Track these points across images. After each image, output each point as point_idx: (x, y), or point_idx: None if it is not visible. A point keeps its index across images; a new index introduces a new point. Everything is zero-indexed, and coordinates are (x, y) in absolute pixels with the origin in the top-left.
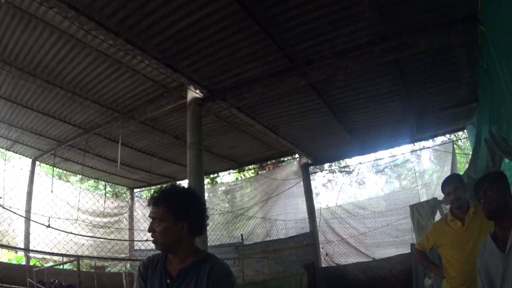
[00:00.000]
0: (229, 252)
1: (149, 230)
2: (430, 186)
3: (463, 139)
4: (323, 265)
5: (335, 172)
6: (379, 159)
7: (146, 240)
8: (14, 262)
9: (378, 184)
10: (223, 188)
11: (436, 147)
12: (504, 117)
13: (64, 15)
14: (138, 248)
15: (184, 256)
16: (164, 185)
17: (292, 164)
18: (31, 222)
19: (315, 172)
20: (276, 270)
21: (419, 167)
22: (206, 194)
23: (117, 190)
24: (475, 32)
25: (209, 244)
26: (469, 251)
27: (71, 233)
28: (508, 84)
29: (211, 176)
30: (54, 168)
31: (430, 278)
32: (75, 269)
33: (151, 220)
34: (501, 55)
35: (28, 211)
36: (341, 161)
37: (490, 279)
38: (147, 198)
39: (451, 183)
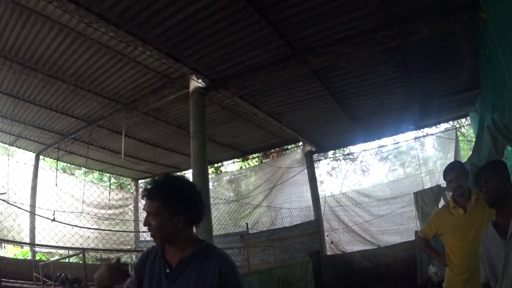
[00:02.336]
0: (235, 241)
1: (144, 224)
2: (434, 173)
3: (466, 126)
4: (328, 253)
5: (339, 160)
6: (383, 146)
7: None
8: (20, 257)
9: (382, 172)
10: (228, 177)
11: (439, 134)
12: (506, 104)
13: (64, 9)
14: (143, 239)
15: (183, 246)
16: (157, 177)
17: (296, 152)
18: (36, 216)
19: (319, 160)
20: (281, 258)
21: (422, 154)
22: (210, 184)
23: (121, 182)
24: (476, 18)
25: (214, 233)
26: (471, 239)
27: (76, 226)
28: (510, 71)
29: (215, 165)
30: (58, 162)
31: (434, 266)
32: (81, 262)
33: (146, 214)
34: (503, 42)
35: (32, 205)
36: (344, 148)
37: (492, 266)
38: None
39: (453, 170)
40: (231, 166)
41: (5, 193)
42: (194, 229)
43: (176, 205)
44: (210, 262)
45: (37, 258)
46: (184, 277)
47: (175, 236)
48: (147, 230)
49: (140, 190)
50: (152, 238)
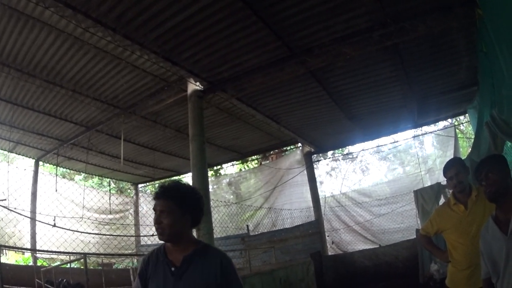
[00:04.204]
0: (236, 244)
1: (156, 222)
2: (434, 171)
3: (465, 123)
4: (330, 253)
5: (339, 160)
6: (382, 145)
7: (152, 235)
8: (22, 263)
9: (381, 171)
10: (227, 180)
11: (438, 131)
12: (504, 100)
13: (61, 14)
14: (144, 243)
15: (185, 245)
16: (167, 181)
17: (295, 153)
18: (37, 222)
19: (318, 160)
20: (283, 259)
21: (422, 153)
22: (210, 187)
23: (121, 186)
24: (472, 15)
25: (215, 236)
26: (473, 235)
27: (77, 231)
28: (509, 66)
29: (215, 168)
30: (58, 168)
31: (436, 263)
32: (82, 267)
33: (158, 212)
34: (500, 38)
35: (33, 211)
36: (343, 148)
37: (494, 262)
38: (152, 192)
39: (453, 167)
40: (230, 168)
41: (5, 199)
42: (194, 232)
43: (187, 205)
44: (211, 258)
45: (39, 264)
46: (189, 273)
47: (181, 234)
48: (156, 230)
49: (140, 194)
50: (160, 236)
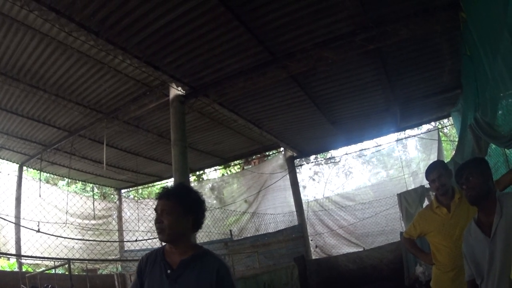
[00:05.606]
0: (219, 249)
1: (156, 222)
2: (418, 175)
3: (449, 126)
4: (314, 257)
5: (321, 164)
6: (365, 149)
7: (136, 241)
8: (7, 269)
9: (364, 174)
10: (210, 184)
11: (421, 135)
12: (488, 102)
13: (44, 18)
14: (128, 248)
15: (184, 248)
16: (171, 185)
17: (277, 158)
18: (21, 228)
19: (301, 165)
20: (266, 264)
21: (405, 156)
22: None
23: (104, 192)
24: (456, 19)
25: (198, 241)
26: (456, 237)
27: (61, 236)
28: (493, 69)
29: (197, 173)
30: (42, 173)
31: (421, 266)
32: (67, 273)
33: (159, 212)
34: (484, 41)
35: (17, 216)
36: (326, 152)
37: (477, 264)
38: (135, 198)
39: (435, 169)
40: (213, 173)
41: None
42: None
43: (189, 205)
44: (208, 264)
45: (24, 269)
46: (184, 277)
47: (180, 236)
48: (155, 228)
49: (124, 199)
50: (159, 236)
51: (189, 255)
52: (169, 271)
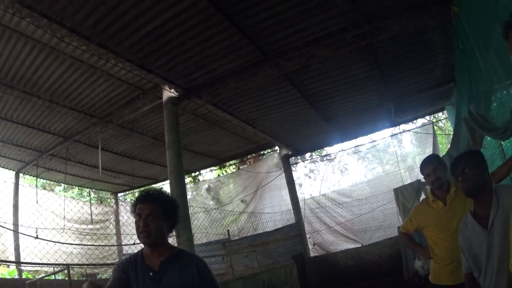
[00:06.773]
0: (217, 249)
1: (143, 225)
2: (413, 169)
3: (444, 120)
4: (312, 255)
5: (317, 161)
6: (360, 145)
7: (134, 244)
8: (7, 276)
9: (360, 171)
10: (206, 185)
11: (416, 129)
12: (482, 95)
13: (36, 24)
14: (126, 252)
15: (162, 250)
16: (148, 188)
17: (272, 157)
18: (20, 234)
19: (296, 163)
20: (265, 263)
21: (401, 151)
22: (189, 193)
23: (101, 196)
24: (448, 12)
25: (195, 242)
26: (453, 230)
27: (59, 242)
28: (486, 62)
29: (193, 174)
30: (38, 179)
31: (420, 260)
32: (66, 278)
33: (144, 216)
34: (477, 34)
35: (15, 223)
36: (321, 150)
37: (474, 256)
38: (132, 201)
39: (430, 164)
40: (209, 174)
41: None
42: (174, 240)
43: (169, 212)
44: (186, 261)
45: (24, 276)
46: (167, 277)
47: (163, 238)
48: (140, 231)
49: (120, 203)
50: (145, 240)
51: (166, 255)
52: (151, 274)
